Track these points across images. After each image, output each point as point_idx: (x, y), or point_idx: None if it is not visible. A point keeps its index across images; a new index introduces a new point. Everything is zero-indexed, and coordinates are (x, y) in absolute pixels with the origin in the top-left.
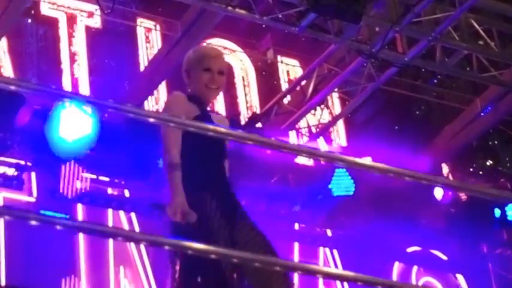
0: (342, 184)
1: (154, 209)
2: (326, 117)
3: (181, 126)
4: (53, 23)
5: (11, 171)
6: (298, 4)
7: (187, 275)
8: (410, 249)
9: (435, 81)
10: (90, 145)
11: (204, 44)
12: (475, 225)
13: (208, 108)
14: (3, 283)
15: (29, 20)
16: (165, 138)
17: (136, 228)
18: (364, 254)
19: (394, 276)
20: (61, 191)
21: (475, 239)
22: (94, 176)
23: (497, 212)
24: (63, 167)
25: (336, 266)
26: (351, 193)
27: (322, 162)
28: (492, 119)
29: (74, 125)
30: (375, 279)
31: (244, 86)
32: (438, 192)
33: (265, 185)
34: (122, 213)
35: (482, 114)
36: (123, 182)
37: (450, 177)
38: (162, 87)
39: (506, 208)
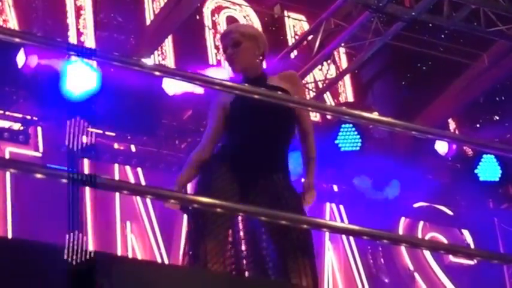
0: (348, 139)
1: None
2: (333, 73)
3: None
4: None
5: (17, 126)
6: None
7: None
8: (416, 205)
9: (442, 36)
10: (96, 100)
11: None
12: (481, 181)
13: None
14: (9, 236)
15: None
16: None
17: (143, 183)
18: (371, 209)
19: (400, 232)
20: (67, 145)
21: (481, 194)
22: (100, 131)
23: (503, 168)
24: (69, 121)
25: (342, 221)
26: (358, 148)
27: (329, 116)
28: (499, 74)
29: (79, 80)
30: (380, 232)
31: None
32: (441, 147)
33: None
34: (128, 168)
35: (489, 69)
36: (129, 137)
37: (457, 132)
38: (168, 42)
39: None
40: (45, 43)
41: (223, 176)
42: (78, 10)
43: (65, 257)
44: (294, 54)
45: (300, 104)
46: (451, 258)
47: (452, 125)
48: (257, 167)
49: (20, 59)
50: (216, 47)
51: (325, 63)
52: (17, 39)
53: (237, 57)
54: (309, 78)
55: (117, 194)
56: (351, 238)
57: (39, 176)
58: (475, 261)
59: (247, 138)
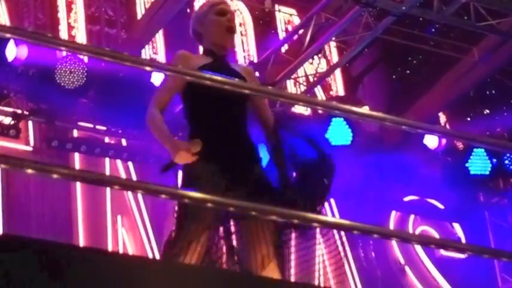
0: (339, 134)
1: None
2: (323, 67)
3: (176, 74)
4: None
5: (7, 120)
6: None
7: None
8: (407, 198)
9: (432, 30)
10: (87, 94)
11: None
12: (471, 175)
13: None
14: (0, 232)
15: None
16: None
17: (134, 177)
18: (361, 203)
19: (391, 225)
20: (58, 140)
21: (472, 188)
22: (91, 125)
23: (494, 161)
24: (60, 116)
25: (333, 215)
26: (349, 143)
27: (320, 111)
28: (489, 68)
29: (71, 74)
30: (371, 227)
31: (242, 35)
32: (430, 141)
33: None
34: (119, 162)
35: (479, 63)
36: (120, 131)
37: (447, 126)
38: (159, 36)
39: (504, 157)
40: (35, 38)
41: (211, 176)
42: (69, 4)
43: None
44: (284, 48)
45: (291, 98)
46: (442, 252)
47: (442, 118)
48: (238, 158)
49: (10, 52)
50: None
51: (316, 57)
52: (8, 35)
53: (234, 32)
54: (299, 72)
55: (108, 188)
56: (342, 232)
57: (30, 171)
58: (466, 255)
59: (219, 129)
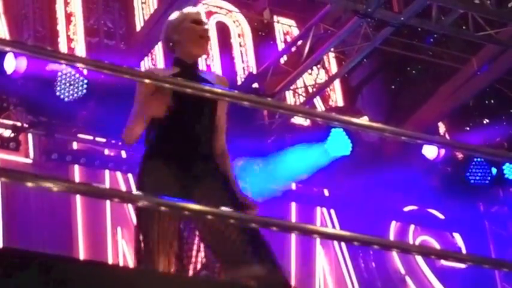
0: (338, 144)
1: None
2: (322, 77)
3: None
4: None
5: (7, 133)
6: None
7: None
8: (407, 209)
9: (431, 40)
10: (87, 106)
11: None
12: (471, 184)
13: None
14: (0, 245)
15: None
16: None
17: (134, 189)
18: (361, 213)
19: (391, 235)
20: (58, 152)
21: (472, 197)
22: (91, 137)
23: (494, 171)
24: (59, 128)
25: (333, 226)
26: (348, 153)
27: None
28: (488, 77)
29: (70, 86)
30: (372, 238)
31: (241, 46)
32: (429, 152)
33: (262, 145)
34: (119, 174)
35: (478, 73)
36: (120, 143)
37: (447, 136)
38: (159, 47)
39: (503, 167)
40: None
41: (163, 181)
42: (69, 17)
43: None
44: (283, 59)
45: (290, 110)
46: (443, 261)
47: (442, 128)
48: (197, 162)
49: (10, 64)
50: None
51: (315, 68)
52: (8, 49)
53: (208, 39)
54: (299, 83)
55: (108, 200)
56: (342, 243)
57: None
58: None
59: (180, 130)
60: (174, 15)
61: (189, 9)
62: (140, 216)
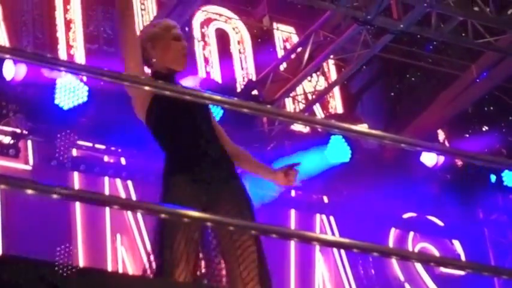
0: (338, 151)
1: None
2: (322, 84)
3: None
4: None
5: (7, 140)
6: None
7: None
8: (406, 216)
9: (431, 47)
10: (86, 113)
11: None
12: (471, 191)
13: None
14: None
15: None
16: None
17: (133, 196)
18: (361, 220)
19: (391, 242)
20: (57, 159)
21: (471, 204)
22: (90, 144)
23: (493, 178)
24: (59, 135)
25: (333, 233)
26: (347, 160)
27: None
28: (488, 85)
29: (69, 93)
30: (371, 245)
31: (240, 53)
32: (427, 159)
33: (261, 152)
34: (118, 181)
35: (477, 80)
36: (119, 150)
37: (446, 143)
38: None
39: (502, 174)
40: (34, 59)
41: (187, 200)
42: (68, 23)
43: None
44: (283, 66)
45: (290, 117)
46: (442, 268)
47: (441, 135)
48: (216, 173)
49: (9, 71)
50: (205, 59)
51: (314, 75)
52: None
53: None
54: (298, 90)
55: (107, 207)
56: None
57: (30, 191)
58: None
59: (184, 141)
60: (150, 25)
61: (167, 23)
62: (163, 225)
